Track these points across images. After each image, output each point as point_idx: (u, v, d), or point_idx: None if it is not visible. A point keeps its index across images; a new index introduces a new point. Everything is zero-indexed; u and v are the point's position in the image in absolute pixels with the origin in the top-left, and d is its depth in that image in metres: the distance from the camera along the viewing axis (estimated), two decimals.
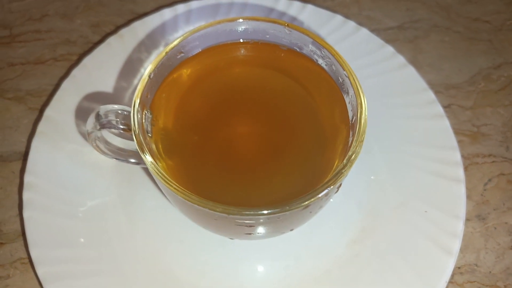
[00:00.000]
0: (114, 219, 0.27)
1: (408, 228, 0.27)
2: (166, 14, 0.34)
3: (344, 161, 0.19)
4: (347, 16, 0.38)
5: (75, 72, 0.31)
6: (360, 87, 0.21)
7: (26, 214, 0.26)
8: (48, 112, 0.29)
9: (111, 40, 0.32)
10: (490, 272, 0.27)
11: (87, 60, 0.32)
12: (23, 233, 0.26)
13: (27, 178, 0.27)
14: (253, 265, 0.25)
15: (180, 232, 0.26)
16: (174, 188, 0.19)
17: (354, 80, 0.21)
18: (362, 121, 0.20)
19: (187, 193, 0.19)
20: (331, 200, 0.28)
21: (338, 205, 0.28)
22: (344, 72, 0.22)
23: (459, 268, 0.27)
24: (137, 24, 0.33)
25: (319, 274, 0.26)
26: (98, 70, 0.31)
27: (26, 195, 0.26)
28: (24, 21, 0.37)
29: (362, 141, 0.20)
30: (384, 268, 0.26)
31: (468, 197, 0.30)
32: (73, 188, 0.27)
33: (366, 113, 0.21)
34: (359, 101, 0.21)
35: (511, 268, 0.27)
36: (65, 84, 0.31)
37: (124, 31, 0.33)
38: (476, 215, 0.29)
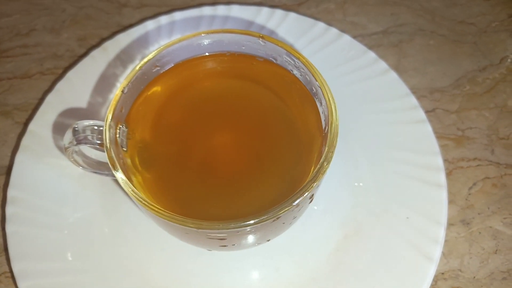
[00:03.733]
0: (98, 230, 0.27)
1: (390, 235, 0.27)
2: (150, 25, 0.34)
3: (314, 172, 0.20)
4: (331, 22, 0.38)
5: (59, 85, 0.31)
6: (332, 98, 0.21)
7: (9, 229, 0.26)
8: (31, 126, 0.30)
9: (95, 53, 0.33)
10: (474, 277, 0.27)
11: (71, 74, 0.32)
12: (6, 248, 0.26)
13: (10, 192, 0.27)
14: (232, 275, 0.25)
15: (161, 242, 0.26)
16: (143, 203, 0.19)
17: (326, 91, 0.21)
18: (333, 132, 0.20)
19: (156, 208, 0.19)
20: (315, 207, 0.28)
21: (320, 212, 0.28)
22: (317, 82, 0.22)
23: (442, 273, 0.27)
24: (120, 37, 0.34)
25: (301, 283, 0.26)
26: (82, 83, 0.32)
27: (9, 210, 0.27)
28: (12, 36, 0.38)
29: (333, 152, 0.20)
30: (367, 275, 0.26)
31: (453, 201, 0.30)
32: (57, 201, 0.28)
33: (337, 124, 0.21)
34: (330, 112, 0.21)
35: (495, 273, 0.27)
36: (49, 98, 0.31)
37: (107, 44, 0.33)
38: (461, 220, 0.29)
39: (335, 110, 0.21)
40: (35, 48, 0.37)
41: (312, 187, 0.19)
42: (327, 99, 0.21)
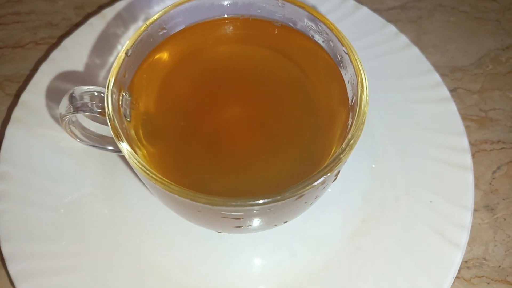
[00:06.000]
0: (96, 211, 0.25)
1: (412, 219, 0.25)
2: None
3: (343, 145, 0.17)
4: None
5: (54, 54, 0.29)
6: (361, 64, 0.19)
7: None
8: (24, 97, 0.27)
9: (93, 20, 0.30)
10: (499, 266, 0.26)
11: (67, 42, 0.29)
12: None
13: (0, 167, 0.25)
14: (244, 261, 0.23)
15: (165, 225, 0.24)
16: (152, 177, 0.17)
17: (354, 57, 0.19)
18: (363, 101, 0.18)
19: (167, 183, 0.17)
20: (329, 190, 0.26)
21: (337, 195, 0.26)
22: (343, 48, 0.20)
23: (466, 262, 0.26)
24: (120, 4, 0.31)
25: (316, 270, 0.24)
26: (79, 52, 0.29)
27: None
28: (3, 2, 0.35)
29: (363, 123, 0.18)
30: (387, 262, 0.24)
31: (476, 186, 0.28)
32: (51, 178, 0.25)
33: (367, 93, 0.19)
34: (359, 79, 0.19)
35: None
36: (43, 68, 0.28)
37: (106, 11, 0.31)
38: (484, 205, 0.27)
39: (365, 78, 0.19)
40: (28, 15, 0.35)
41: (339, 163, 0.17)
42: (355, 65, 0.19)
